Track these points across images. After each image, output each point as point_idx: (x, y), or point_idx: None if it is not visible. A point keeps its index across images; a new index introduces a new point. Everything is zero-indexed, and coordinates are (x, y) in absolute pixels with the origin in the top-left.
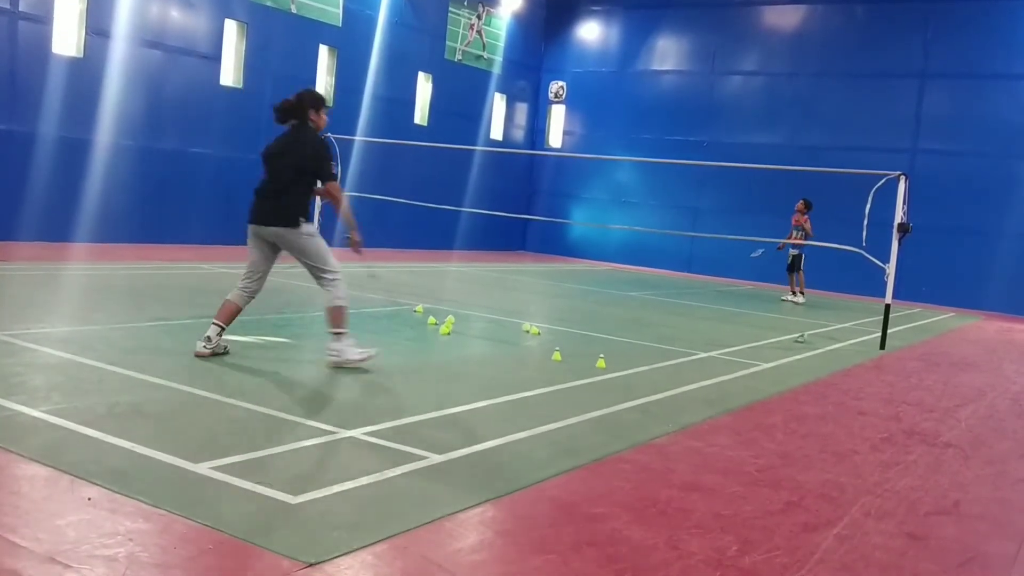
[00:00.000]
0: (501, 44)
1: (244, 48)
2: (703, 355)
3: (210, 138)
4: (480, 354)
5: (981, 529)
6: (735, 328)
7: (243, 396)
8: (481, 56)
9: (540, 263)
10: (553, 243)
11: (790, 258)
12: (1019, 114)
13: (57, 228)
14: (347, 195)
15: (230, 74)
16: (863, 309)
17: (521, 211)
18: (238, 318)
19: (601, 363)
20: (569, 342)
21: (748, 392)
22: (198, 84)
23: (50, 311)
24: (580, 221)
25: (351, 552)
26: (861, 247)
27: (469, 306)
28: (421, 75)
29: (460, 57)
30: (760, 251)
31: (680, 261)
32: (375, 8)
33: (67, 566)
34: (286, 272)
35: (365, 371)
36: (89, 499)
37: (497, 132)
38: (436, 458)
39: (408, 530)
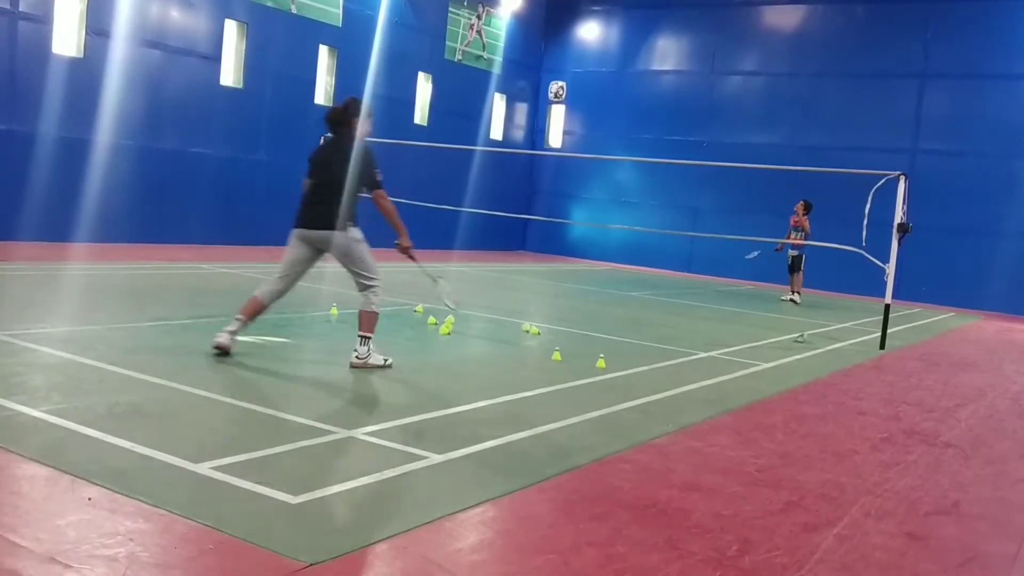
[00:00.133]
0: (501, 44)
1: (244, 48)
2: (703, 355)
3: (210, 138)
4: (480, 354)
5: (981, 529)
6: (735, 328)
7: (243, 396)
8: (481, 56)
9: (540, 263)
10: (553, 243)
11: (790, 259)
12: (1019, 114)
13: (57, 228)
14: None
15: (230, 74)
16: (863, 309)
17: (521, 211)
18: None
19: (601, 363)
20: (569, 342)
21: (748, 392)
22: (198, 84)
23: (50, 311)
24: (580, 221)
25: (351, 552)
26: (861, 247)
27: (469, 306)
28: (421, 75)
29: (460, 57)
30: (756, 253)
31: (680, 261)
32: (375, 8)
33: (67, 566)
34: None
35: (370, 372)
36: (89, 499)
37: (497, 132)
38: (436, 458)
39: (408, 530)
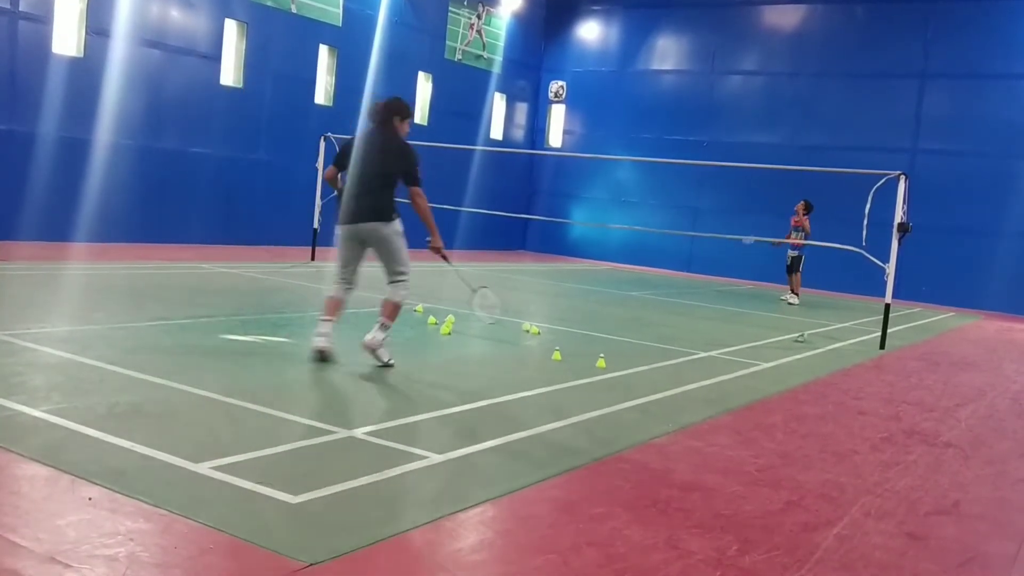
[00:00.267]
0: (501, 44)
1: (244, 48)
2: (703, 355)
3: (210, 138)
4: (480, 354)
5: (981, 529)
6: (735, 328)
7: (243, 396)
8: (481, 56)
9: (540, 263)
10: (553, 243)
11: (789, 259)
12: (1019, 114)
13: (57, 228)
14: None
15: (230, 74)
16: (863, 309)
17: (521, 211)
18: (240, 317)
19: (601, 363)
20: (569, 342)
21: (748, 392)
22: (198, 84)
23: (50, 311)
24: (580, 221)
25: (351, 552)
26: (861, 247)
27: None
28: (421, 75)
29: (460, 57)
30: (752, 238)
31: (680, 261)
32: (375, 8)
33: (67, 566)
34: (286, 272)
35: (370, 372)
36: (89, 499)
37: (497, 132)
38: (436, 458)
39: (409, 530)
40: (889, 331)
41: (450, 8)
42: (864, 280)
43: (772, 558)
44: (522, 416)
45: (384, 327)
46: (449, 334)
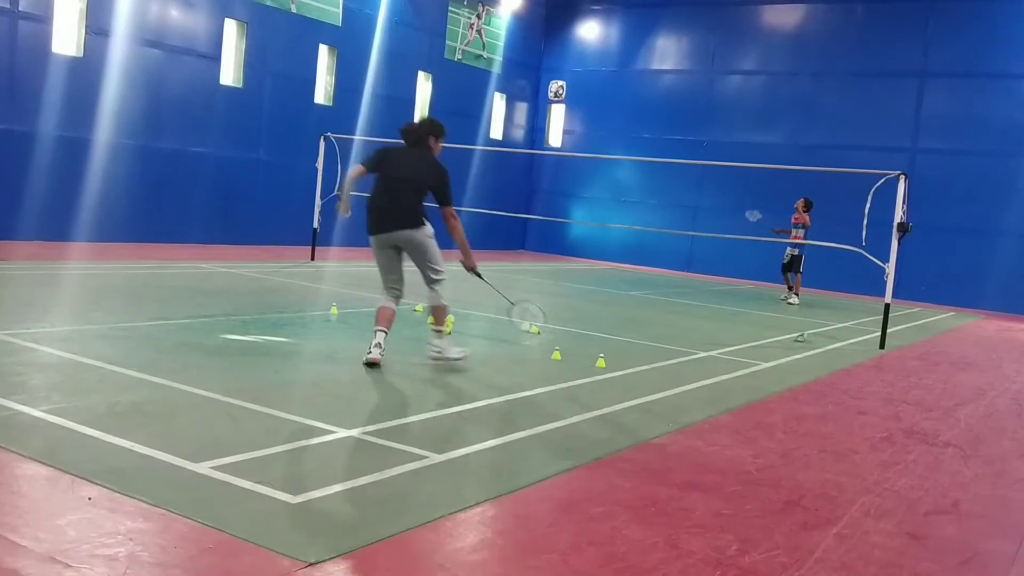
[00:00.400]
0: (501, 43)
1: (244, 47)
2: (703, 354)
3: (210, 137)
4: (480, 354)
5: (981, 528)
6: (735, 327)
7: (243, 396)
8: (481, 55)
9: (540, 262)
10: (553, 242)
11: (788, 257)
12: (1019, 113)
13: (57, 227)
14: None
15: (230, 73)
16: (863, 308)
17: (521, 210)
18: (239, 317)
19: (601, 362)
20: (569, 341)
21: (748, 391)
22: (198, 83)
23: (50, 310)
24: (580, 220)
25: (351, 552)
26: (861, 246)
27: (469, 305)
28: (421, 74)
29: (460, 56)
30: (758, 214)
31: (680, 260)
32: (375, 7)
33: (67, 565)
34: (286, 271)
35: (371, 372)
36: (89, 498)
37: (497, 131)
38: (436, 458)
39: (408, 530)
40: (889, 331)
41: (450, 8)
42: (864, 280)
43: (772, 558)
44: (521, 416)
45: (439, 334)
46: (449, 334)
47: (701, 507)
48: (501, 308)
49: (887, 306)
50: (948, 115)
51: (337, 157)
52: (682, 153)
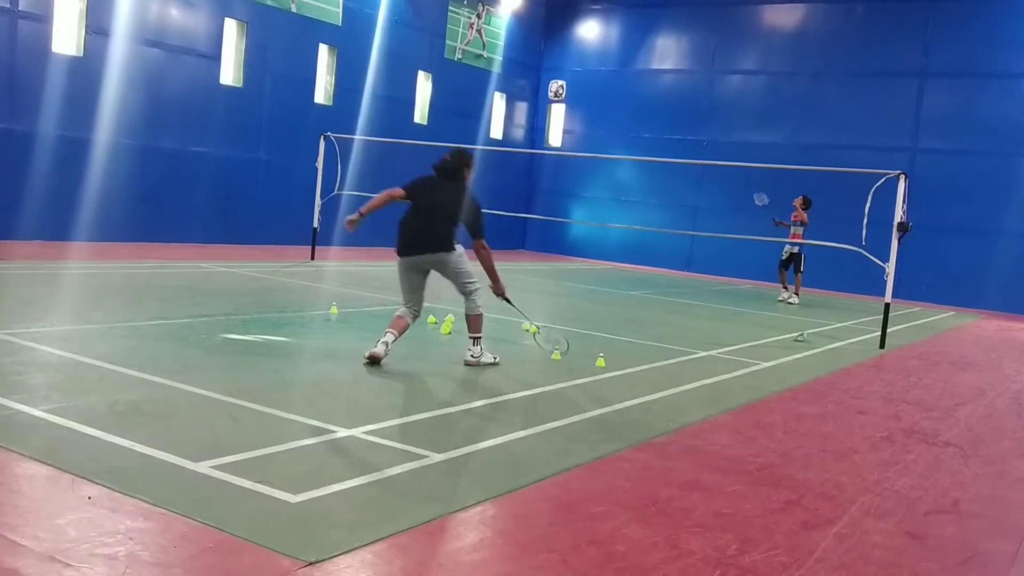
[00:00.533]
0: (501, 43)
1: (244, 47)
2: (703, 354)
3: (210, 137)
4: None
5: (980, 528)
6: (735, 327)
7: (243, 395)
8: (481, 55)
9: (540, 262)
10: (553, 242)
11: (786, 255)
12: (1019, 113)
13: (56, 227)
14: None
15: (230, 73)
16: (863, 308)
17: (521, 210)
18: (239, 317)
19: (601, 362)
20: (569, 341)
21: (748, 391)
22: (198, 83)
23: (50, 310)
24: (580, 220)
25: (351, 551)
26: (861, 246)
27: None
28: (421, 74)
29: (460, 56)
30: (765, 198)
31: (680, 260)
32: (375, 7)
33: (67, 564)
34: (286, 271)
35: (371, 371)
36: (89, 498)
37: (497, 131)
38: (436, 458)
39: (408, 530)
40: (889, 330)
41: (450, 7)
42: (864, 279)
43: (772, 557)
44: (521, 416)
45: (477, 341)
46: (449, 333)
47: (701, 507)
48: (501, 308)
49: (887, 306)
50: (948, 115)
51: (337, 157)
52: (682, 153)
